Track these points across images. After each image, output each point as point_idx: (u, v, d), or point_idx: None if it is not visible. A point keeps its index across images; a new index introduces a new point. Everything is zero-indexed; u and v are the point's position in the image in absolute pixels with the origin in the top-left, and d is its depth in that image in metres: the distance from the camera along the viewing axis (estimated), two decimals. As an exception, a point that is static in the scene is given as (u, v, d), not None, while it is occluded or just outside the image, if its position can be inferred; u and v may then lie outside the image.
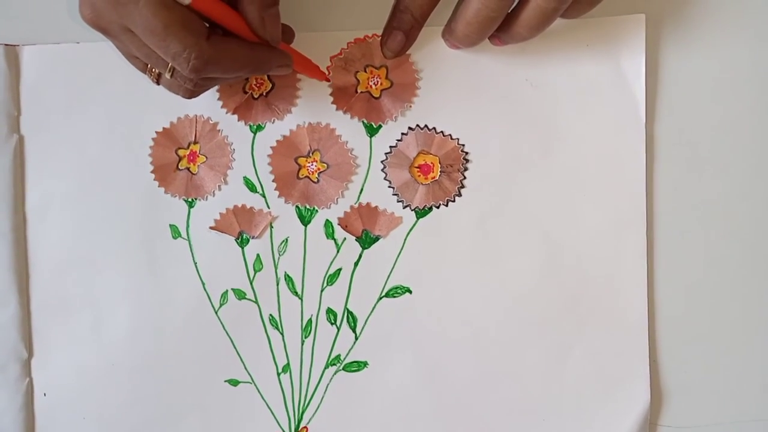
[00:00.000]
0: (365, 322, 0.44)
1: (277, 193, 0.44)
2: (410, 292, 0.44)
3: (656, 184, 0.43)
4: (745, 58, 0.43)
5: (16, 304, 0.45)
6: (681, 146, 0.43)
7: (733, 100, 0.43)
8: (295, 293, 0.44)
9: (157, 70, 0.37)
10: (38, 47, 0.44)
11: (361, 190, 0.44)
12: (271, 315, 0.44)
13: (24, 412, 0.45)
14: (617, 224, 0.43)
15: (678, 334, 0.43)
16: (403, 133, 0.43)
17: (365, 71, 0.43)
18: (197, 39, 0.33)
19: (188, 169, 0.44)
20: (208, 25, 0.35)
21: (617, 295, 0.43)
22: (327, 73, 0.43)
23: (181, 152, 0.44)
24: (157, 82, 0.38)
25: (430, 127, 0.43)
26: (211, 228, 0.44)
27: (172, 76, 0.36)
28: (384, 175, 0.44)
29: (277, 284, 0.44)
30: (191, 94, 0.38)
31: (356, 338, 0.44)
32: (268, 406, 0.45)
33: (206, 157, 0.44)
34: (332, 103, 0.43)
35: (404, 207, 0.44)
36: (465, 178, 0.43)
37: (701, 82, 0.43)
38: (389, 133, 0.43)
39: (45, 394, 0.45)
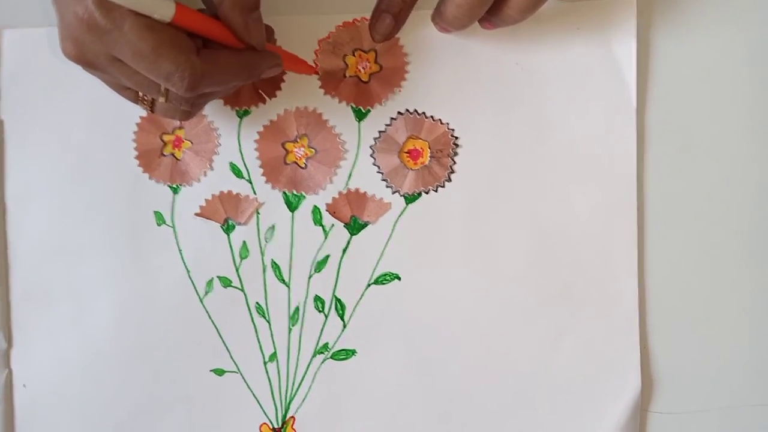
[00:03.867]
0: (354, 310, 0.43)
1: (264, 178, 0.43)
2: (399, 278, 0.43)
3: (647, 170, 0.43)
4: (738, 42, 0.42)
5: (-4, 293, 0.44)
6: (672, 131, 0.43)
7: (725, 84, 0.43)
8: (282, 281, 0.43)
9: (150, 98, 0.37)
10: (19, 30, 0.43)
11: (350, 175, 0.43)
12: (257, 303, 0.44)
13: (3, 404, 0.44)
14: (608, 210, 0.42)
15: (669, 320, 0.43)
16: (392, 118, 0.43)
17: (354, 55, 0.43)
18: (188, 56, 0.33)
19: (173, 154, 0.44)
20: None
21: (608, 282, 0.43)
22: (315, 57, 0.42)
23: (165, 138, 0.44)
24: (152, 110, 0.38)
25: (420, 112, 0.43)
26: (196, 215, 0.44)
27: (166, 99, 0.35)
28: (373, 160, 0.43)
29: (264, 272, 0.43)
30: (187, 115, 0.38)
31: (344, 326, 0.43)
32: (254, 395, 0.44)
33: (191, 143, 0.43)
34: (320, 87, 0.43)
35: (393, 192, 0.43)
36: (455, 163, 0.43)
37: (693, 65, 0.43)
38: (378, 117, 0.43)
39: (25, 386, 0.44)
